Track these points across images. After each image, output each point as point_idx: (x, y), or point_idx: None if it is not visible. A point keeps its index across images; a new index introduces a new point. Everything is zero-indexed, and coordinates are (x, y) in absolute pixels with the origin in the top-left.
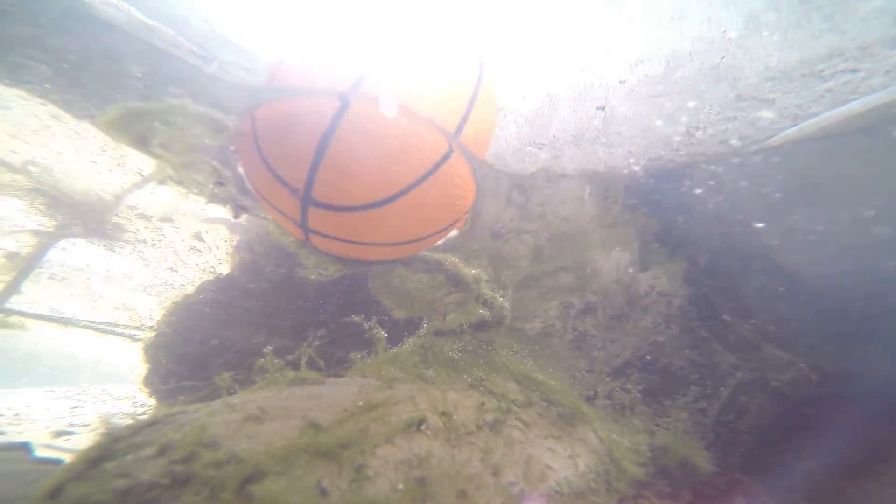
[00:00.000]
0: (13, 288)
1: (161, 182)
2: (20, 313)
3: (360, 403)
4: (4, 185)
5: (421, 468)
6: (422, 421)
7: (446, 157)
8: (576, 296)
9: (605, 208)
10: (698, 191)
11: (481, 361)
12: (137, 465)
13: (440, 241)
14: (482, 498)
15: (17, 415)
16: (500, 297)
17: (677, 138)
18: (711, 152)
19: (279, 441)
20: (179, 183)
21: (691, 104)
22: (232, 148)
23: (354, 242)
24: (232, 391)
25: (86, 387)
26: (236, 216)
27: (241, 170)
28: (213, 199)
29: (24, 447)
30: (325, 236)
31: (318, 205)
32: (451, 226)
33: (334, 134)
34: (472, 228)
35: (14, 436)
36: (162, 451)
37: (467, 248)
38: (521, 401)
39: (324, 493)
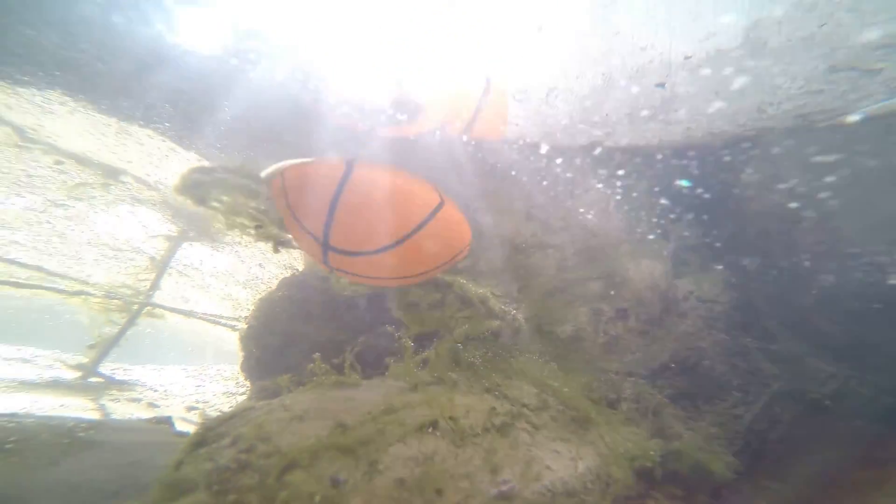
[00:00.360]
0: (156, 285)
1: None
2: (160, 306)
3: (382, 407)
4: (144, 199)
5: (425, 465)
6: (433, 423)
7: (439, 206)
8: (606, 302)
9: (636, 219)
10: (755, 175)
11: (501, 367)
12: (218, 452)
13: (448, 268)
14: (459, 494)
15: (165, 391)
16: (514, 310)
17: (744, 115)
18: (783, 127)
19: (312, 438)
20: (229, 227)
21: (771, 78)
22: (268, 198)
23: (368, 277)
24: (288, 390)
25: (207, 365)
26: (276, 251)
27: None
28: (257, 237)
29: (168, 421)
30: (343, 272)
31: (335, 250)
32: (452, 259)
33: (341, 195)
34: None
35: (164, 409)
36: (233, 442)
37: (475, 270)
38: (534, 405)
39: (337, 483)
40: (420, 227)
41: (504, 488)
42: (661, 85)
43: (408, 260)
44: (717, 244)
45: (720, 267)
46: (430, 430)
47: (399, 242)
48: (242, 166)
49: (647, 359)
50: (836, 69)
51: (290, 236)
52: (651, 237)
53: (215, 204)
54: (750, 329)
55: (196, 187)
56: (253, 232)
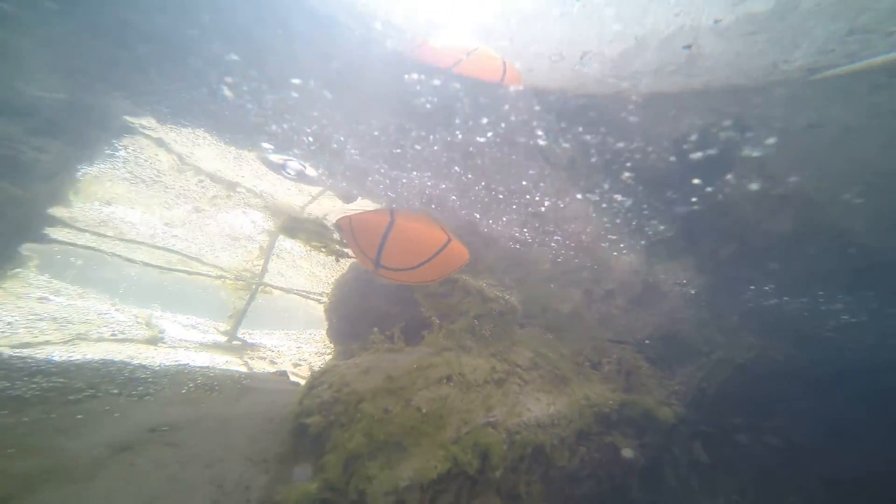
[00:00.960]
0: (265, 269)
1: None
2: (269, 285)
3: (415, 366)
4: (252, 204)
5: (439, 403)
6: (448, 377)
7: (447, 244)
8: (596, 285)
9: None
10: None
11: (506, 337)
12: (321, 392)
13: (454, 274)
14: (464, 420)
15: (278, 351)
16: (508, 295)
17: (759, 71)
18: (788, 79)
19: (372, 384)
20: (307, 248)
21: (794, 38)
22: (339, 234)
23: (401, 280)
24: (357, 354)
25: (304, 329)
26: (337, 261)
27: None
28: (326, 253)
29: (284, 374)
30: (388, 278)
31: (383, 267)
32: (453, 272)
33: (388, 236)
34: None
35: (280, 365)
36: (329, 387)
37: (475, 269)
38: (526, 366)
39: (387, 411)
40: (433, 257)
41: (491, 419)
42: (688, 47)
43: (425, 274)
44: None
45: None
46: (445, 381)
47: (420, 265)
48: (316, 219)
49: (633, 330)
50: (854, 31)
51: (347, 251)
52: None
53: (301, 236)
54: (712, 307)
55: (289, 230)
56: (323, 250)
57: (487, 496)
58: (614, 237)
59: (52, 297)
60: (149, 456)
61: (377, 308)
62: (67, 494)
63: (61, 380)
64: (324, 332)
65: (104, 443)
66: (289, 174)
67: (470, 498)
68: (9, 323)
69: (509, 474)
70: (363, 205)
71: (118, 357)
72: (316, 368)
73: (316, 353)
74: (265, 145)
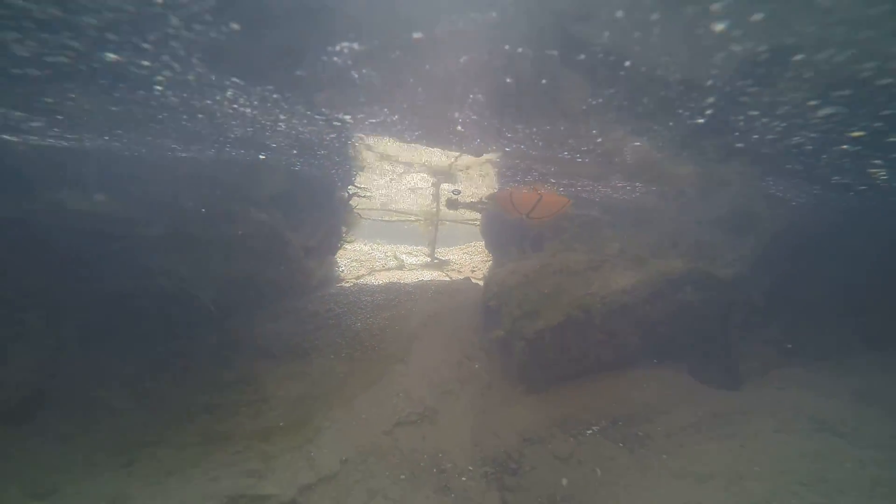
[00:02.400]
0: (438, 210)
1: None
2: (443, 219)
3: (539, 266)
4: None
5: (557, 287)
6: (560, 270)
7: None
8: (667, 187)
9: None
10: None
11: (599, 238)
12: (493, 287)
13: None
14: (572, 293)
15: (460, 263)
16: (591, 210)
17: None
18: None
19: (515, 280)
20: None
21: None
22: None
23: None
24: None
25: (468, 243)
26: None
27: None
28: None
29: (468, 279)
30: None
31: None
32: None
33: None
34: None
35: (464, 273)
36: (496, 284)
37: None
38: (614, 254)
39: (526, 294)
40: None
41: (589, 291)
42: None
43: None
44: None
45: None
46: (559, 273)
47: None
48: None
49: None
50: None
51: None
52: None
53: (459, 208)
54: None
55: (450, 204)
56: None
57: (594, 333)
58: (668, 154)
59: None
60: (432, 328)
61: (510, 231)
62: (419, 344)
63: (384, 295)
64: (482, 245)
65: (418, 323)
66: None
67: (584, 333)
68: (344, 265)
69: (606, 320)
70: (488, 157)
71: (394, 280)
72: (485, 273)
73: (482, 261)
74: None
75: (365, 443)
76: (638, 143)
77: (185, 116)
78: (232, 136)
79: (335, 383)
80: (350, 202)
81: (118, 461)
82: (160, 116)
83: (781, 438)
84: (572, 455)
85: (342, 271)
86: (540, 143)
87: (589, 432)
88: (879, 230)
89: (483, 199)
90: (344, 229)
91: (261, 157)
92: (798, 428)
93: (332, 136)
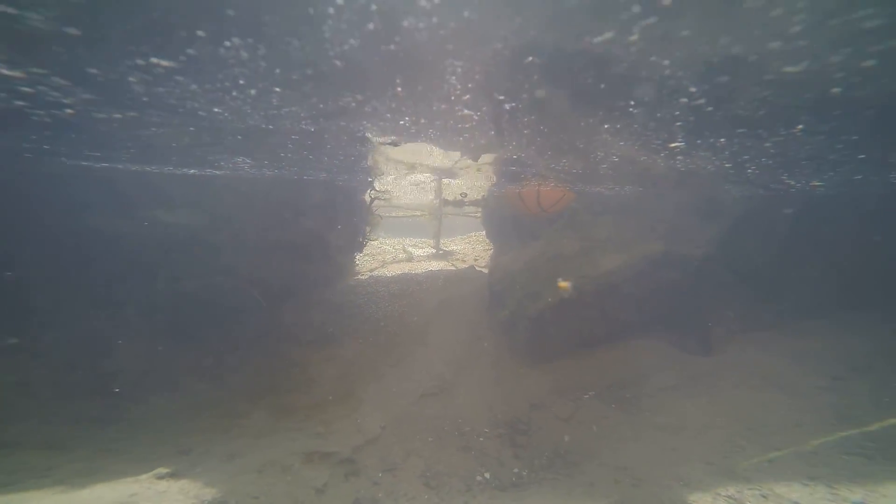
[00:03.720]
0: (441, 204)
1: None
2: (445, 213)
3: (539, 252)
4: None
5: (555, 270)
6: (555, 256)
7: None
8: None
9: None
10: None
11: (589, 223)
12: (497, 272)
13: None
14: (566, 276)
15: (463, 253)
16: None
17: None
18: None
19: (517, 267)
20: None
21: None
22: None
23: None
24: (507, 250)
25: (468, 233)
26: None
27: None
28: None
29: (472, 267)
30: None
31: (542, 210)
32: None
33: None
34: None
35: (468, 262)
36: (500, 270)
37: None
38: (602, 239)
39: (527, 279)
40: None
41: (582, 273)
42: None
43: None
44: None
45: None
46: (555, 257)
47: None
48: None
49: (680, 202)
50: None
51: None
52: None
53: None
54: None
55: (457, 204)
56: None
57: (587, 310)
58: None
59: None
60: (444, 313)
61: (510, 222)
62: (433, 327)
63: (397, 285)
64: (483, 235)
65: (430, 309)
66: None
67: (578, 311)
68: (358, 258)
69: (596, 299)
70: (486, 158)
71: (404, 271)
72: (487, 260)
73: (483, 250)
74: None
75: (398, 412)
76: (623, 144)
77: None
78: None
79: (367, 364)
80: (371, 205)
81: (220, 427)
82: (228, 140)
83: (738, 394)
84: (572, 416)
85: (357, 265)
86: (548, 153)
87: (586, 397)
88: (825, 215)
89: (485, 197)
90: (367, 228)
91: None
92: (750, 384)
93: (360, 149)
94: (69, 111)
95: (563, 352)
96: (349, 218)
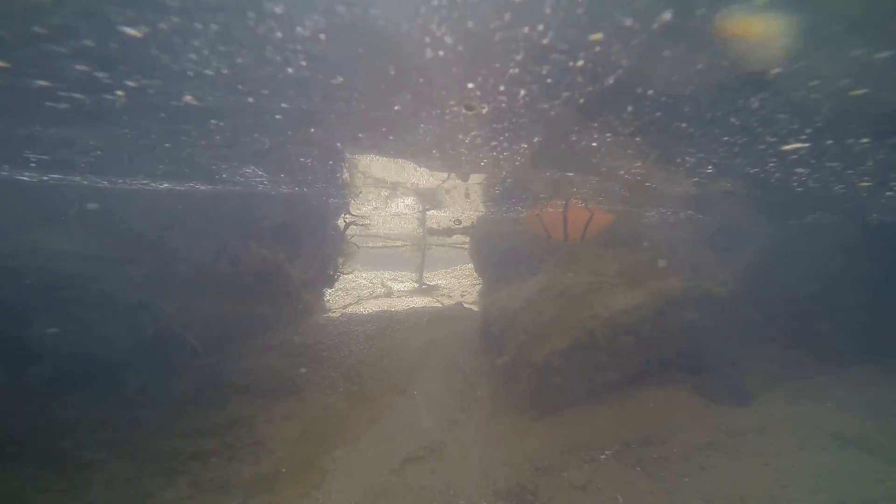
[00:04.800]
0: (424, 234)
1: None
2: (430, 244)
3: (539, 288)
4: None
5: (558, 311)
6: (561, 293)
7: (590, 218)
8: (661, 205)
9: None
10: None
11: (597, 257)
12: (493, 312)
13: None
14: (576, 316)
15: (449, 288)
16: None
17: None
18: None
19: (516, 305)
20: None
21: None
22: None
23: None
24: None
25: (453, 266)
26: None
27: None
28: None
29: (460, 304)
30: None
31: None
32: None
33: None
34: None
35: (455, 298)
36: (497, 309)
37: None
38: (613, 275)
39: (534, 313)
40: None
41: (592, 313)
42: None
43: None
44: None
45: None
46: (560, 296)
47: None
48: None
49: (701, 230)
50: None
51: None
52: None
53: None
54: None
55: (447, 231)
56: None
57: (599, 355)
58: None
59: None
60: (431, 356)
61: (502, 254)
62: (420, 374)
63: (376, 324)
64: (471, 268)
65: (415, 351)
66: None
67: (590, 356)
68: (329, 294)
69: (610, 342)
70: (476, 178)
71: (384, 308)
72: (475, 296)
73: (471, 285)
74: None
75: (374, 483)
76: (639, 164)
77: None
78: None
79: (336, 421)
80: (346, 231)
81: None
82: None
83: (806, 456)
84: (590, 482)
85: (328, 301)
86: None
87: (603, 457)
88: (869, 244)
89: (473, 225)
90: (341, 260)
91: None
92: (821, 444)
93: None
94: None
95: (572, 402)
96: (318, 246)
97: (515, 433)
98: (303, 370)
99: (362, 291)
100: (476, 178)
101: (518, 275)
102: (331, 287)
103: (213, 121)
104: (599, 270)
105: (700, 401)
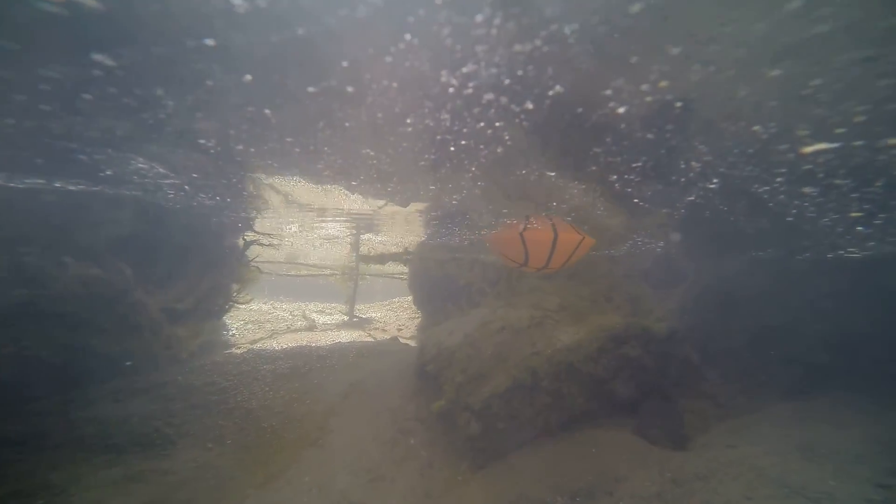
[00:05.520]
0: (357, 263)
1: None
2: (364, 273)
3: (479, 323)
4: (338, 218)
5: (500, 346)
6: (503, 327)
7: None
8: (600, 239)
9: None
10: None
11: (539, 291)
12: (430, 349)
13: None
14: (517, 354)
15: (384, 321)
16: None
17: None
18: None
19: (455, 341)
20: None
21: None
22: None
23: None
24: (442, 321)
25: (391, 298)
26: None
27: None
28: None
29: (396, 339)
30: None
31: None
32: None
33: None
34: None
35: (390, 332)
36: (434, 346)
37: None
38: (555, 309)
39: (469, 357)
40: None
41: (535, 350)
42: None
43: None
44: None
45: None
46: (502, 330)
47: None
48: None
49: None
50: None
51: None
52: None
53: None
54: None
55: (377, 258)
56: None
57: (541, 396)
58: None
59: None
60: (356, 399)
61: (442, 285)
62: (339, 421)
63: (291, 362)
64: (409, 301)
65: (336, 393)
66: None
67: (531, 398)
68: (236, 327)
69: (553, 381)
70: (416, 206)
71: (303, 343)
72: (414, 330)
73: (409, 318)
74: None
75: None
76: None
77: None
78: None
79: (213, 482)
80: (246, 252)
81: None
82: None
83: None
84: None
85: (233, 335)
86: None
87: None
88: (800, 281)
89: (407, 249)
90: (235, 287)
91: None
92: (767, 493)
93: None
94: None
95: (513, 449)
96: (204, 268)
97: (453, 486)
98: (178, 418)
99: (279, 324)
100: (417, 206)
101: (458, 308)
102: (217, 319)
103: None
104: (541, 304)
105: (640, 443)
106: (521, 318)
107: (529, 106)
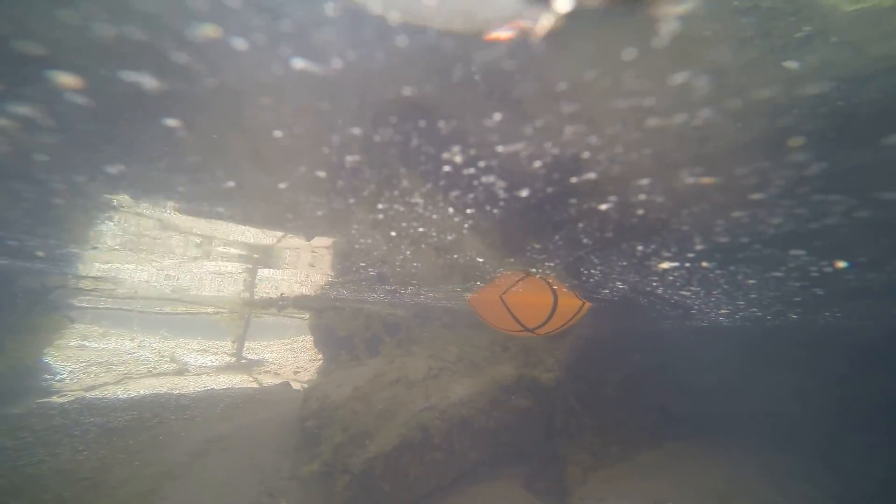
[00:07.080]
0: (252, 299)
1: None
2: (258, 312)
3: (374, 374)
4: (229, 254)
5: (392, 400)
6: (398, 379)
7: (554, 305)
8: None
9: None
10: None
11: (440, 340)
12: (313, 403)
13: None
14: (408, 409)
15: (279, 363)
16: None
17: None
18: None
19: (344, 394)
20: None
21: None
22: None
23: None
24: (332, 371)
25: (296, 336)
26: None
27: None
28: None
29: (287, 384)
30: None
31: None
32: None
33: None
34: None
35: (283, 376)
36: (317, 399)
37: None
38: (453, 360)
39: (355, 413)
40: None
41: (428, 404)
42: None
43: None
44: None
45: None
46: (395, 383)
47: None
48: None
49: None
50: None
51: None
52: None
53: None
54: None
55: (262, 305)
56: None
57: (433, 453)
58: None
59: (86, 343)
60: (213, 458)
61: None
62: (179, 485)
63: (135, 412)
64: (312, 343)
65: (185, 451)
66: None
67: (421, 456)
68: (71, 371)
69: (445, 438)
70: (321, 241)
71: (162, 390)
72: (311, 374)
73: (310, 360)
74: None
75: None
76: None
77: None
78: None
79: None
80: (50, 296)
81: None
82: None
83: None
84: None
85: (62, 379)
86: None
87: None
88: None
89: (287, 295)
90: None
91: None
92: None
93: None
94: None
95: None
96: None
97: None
98: None
99: (139, 367)
100: (322, 241)
101: (353, 356)
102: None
103: None
104: (440, 354)
105: (527, 497)
106: (419, 368)
107: None
